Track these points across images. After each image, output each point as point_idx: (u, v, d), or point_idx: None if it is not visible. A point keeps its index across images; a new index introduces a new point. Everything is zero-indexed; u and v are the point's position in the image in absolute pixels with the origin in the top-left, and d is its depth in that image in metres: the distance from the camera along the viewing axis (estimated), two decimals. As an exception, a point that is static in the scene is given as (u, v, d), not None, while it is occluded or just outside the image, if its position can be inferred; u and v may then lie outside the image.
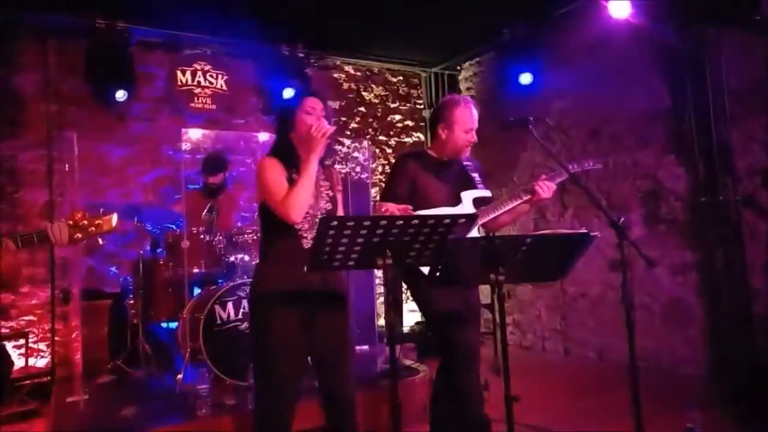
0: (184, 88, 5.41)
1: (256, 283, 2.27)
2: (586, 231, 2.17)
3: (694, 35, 4.32)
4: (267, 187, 2.20)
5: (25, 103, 4.79)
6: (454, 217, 1.97)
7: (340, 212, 2.37)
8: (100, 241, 2.31)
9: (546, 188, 2.67)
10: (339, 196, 2.39)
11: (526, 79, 5.46)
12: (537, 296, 5.75)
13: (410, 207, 2.45)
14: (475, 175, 2.83)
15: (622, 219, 2.29)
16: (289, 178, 2.21)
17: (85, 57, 4.90)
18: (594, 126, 5.16)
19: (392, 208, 2.41)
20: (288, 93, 5.58)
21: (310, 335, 2.20)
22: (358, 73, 6.52)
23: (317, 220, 2.21)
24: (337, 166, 6.16)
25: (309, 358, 2.28)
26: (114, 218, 2.26)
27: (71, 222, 2.18)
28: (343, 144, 6.34)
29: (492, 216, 2.72)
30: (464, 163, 2.85)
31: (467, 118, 2.71)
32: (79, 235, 2.19)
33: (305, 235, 2.20)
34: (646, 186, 4.74)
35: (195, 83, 5.45)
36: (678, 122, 4.49)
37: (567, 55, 5.36)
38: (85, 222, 2.20)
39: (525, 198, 2.70)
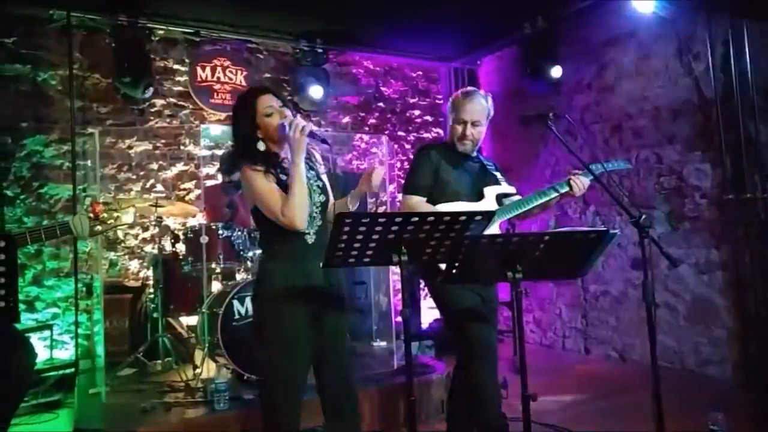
0: (203, 84, 5.45)
1: (260, 280, 2.23)
2: (606, 229, 2.14)
3: (721, 28, 4.21)
4: (262, 200, 2.10)
5: (50, 100, 4.87)
6: (470, 215, 1.95)
7: (332, 194, 2.32)
8: (120, 234, 2.36)
9: (582, 183, 2.63)
10: (326, 179, 2.30)
11: (549, 73, 5.38)
12: (557, 294, 5.69)
13: None
14: (498, 174, 2.79)
15: (644, 216, 2.25)
16: (277, 180, 2.13)
17: (108, 54, 4.97)
18: (616, 121, 5.07)
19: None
20: (315, 91, 5.58)
21: (314, 331, 2.18)
22: (377, 68, 6.50)
23: (315, 213, 2.20)
24: (355, 162, 6.17)
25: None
26: (132, 211, 2.30)
27: (92, 215, 2.22)
28: (362, 140, 6.33)
29: (527, 208, 2.69)
30: (484, 160, 2.82)
31: (461, 108, 2.65)
32: (100, 228, 2.27)
33: (307, 230, 2.16)
34: (670, 183, 4.65)
35: (215, 79, 5.49)
36: (704, 117, 4.39)
37: (589, 49, 5.28)
38: (105, 215, 2.25)
39: (562, 191, 2.67)
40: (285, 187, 2.10)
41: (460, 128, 2.65)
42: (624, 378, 4.50)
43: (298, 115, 2.15)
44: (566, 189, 2.67)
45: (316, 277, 2.16)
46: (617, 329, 5.07)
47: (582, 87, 5.39)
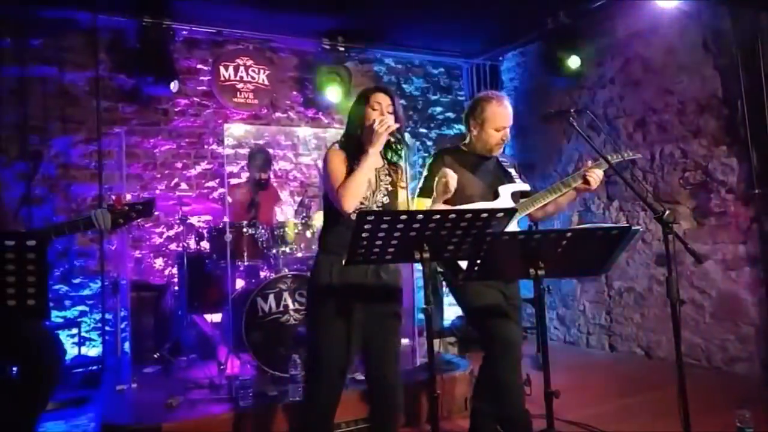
0: (226, 83, 5.50)
1: (312, 272, 2.35)
2: (628, 225, 2.11)
3: (747, 20, 4.12)
4: (327, 177, 2.26)
5: (76, 101, 4.96)
6: (492, 211, 1.95)
7: (400, 208, 2.39)
8: (140, 222, 2.41)
9: (597, 176, 2.62)
10: (402, 194, 2.41)
11: (571, 66, 5.32)
12: (581, 291, 5.63)
13: None
14: (512, 170, 2.79)
15: (668, 212, 2.22)
16: (352, 170, 2.24)
17: (133, 54, 5.05)
18: (640, 116, 5.00)
19: None
20: (334, 89, 5.60)
21: (363, 327, 2.24)
22: (399, 66, 6.50)
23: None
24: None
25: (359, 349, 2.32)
26: (153, 204, 2.34)
27: (113, 209, 2.27)
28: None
29: (541, 204, 2.69)
30: (500, 158, 2.82)
31: (499, 115, 2.68)
32: (122, 221, 2.32)
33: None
34: (696, 178, 4.57)
35: (237, 78, 5.54)
36: (730, 111, 4.31)
37: (613, 44, 5.22)
38: (126, 208, 2.29)
39: (576, 184, 2.65)
40: None
41: (499, 134, 2.69)
42: (649, 375, 4.44)
43: (391, 117, 2.28)
44: (579, 182, 2.65)
45: (364, 273, 2.23)
46: (642, 326, 5.00)
47: (605, 82, 5.32)
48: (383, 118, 2.23)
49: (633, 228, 2.07)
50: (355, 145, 2.30)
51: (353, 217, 2.18)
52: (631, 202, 5.12)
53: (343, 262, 2.01)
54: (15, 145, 4.70)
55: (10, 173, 4.65)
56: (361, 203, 2.26)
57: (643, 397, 3.76)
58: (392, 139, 2.33)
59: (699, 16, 4.44)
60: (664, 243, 2.20)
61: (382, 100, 2.33)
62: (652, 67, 4.88)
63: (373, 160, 2.21)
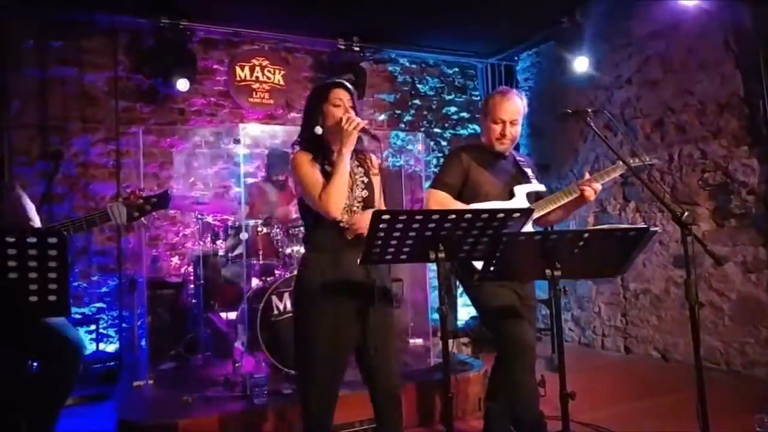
0: (242, 83, 5.54)
1: (299, 274, 2.28)
2: (645, 226, 2.09)
3: (769, 18, 4.07)
4: (303, 184, 2.19)
5: (96, 100, 5.03)
6: (509, 211, 1.94)
7: (378, 198, 2.33)
8: (155, 217, 2.42)
9: (592, 190, 2.58)
10: (376, 180, 2.35)
11: (587, 68, 5.29)
12: (597, 292, 5.59)
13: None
14: (528, 171, 2.77)
15: (686, 213, 2.19)
16: (322, 170, 2.19)
17: (151, 55, 5.10)
18: (658, 116, 4.95)
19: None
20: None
21: (353, 328, 2.19)
22: (413, 66, 6.49)
23: (354, 208, 2.23)
24: (390, 159, 6.18)
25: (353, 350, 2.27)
26: (167, 196, 2.35)
27: (128, 202, 2.29)
28: (397, 137, 6.34)
29: (542, 213, 2.66)
30: (517, 158, 2.80)
31: (498, 107, 2.65)
32: (137, 214, 2.34)
33: (345, 225, 2.19)
34: (715, 179, 4.51)
35: (253, 78, 5.57)
36: (751, 110, 4.24)
37: (630, 43, 5.17)
38: (141, 201, 2.31)
39: (574, 196, 2.63)
40: (329, 177, 2.16)
41: (498, 128, 2.65)
42: (666, 378, 4.40)
43: (352, 114, 2.22)
44: (576, 195, 2.62)
45: (354, 272, 2.17)
46: (659, 328, 4.95)
47: (622, 82, 5.27)
48: (349, 116, 2.16)
49: (651, 229, 2.05)
50: (317, 143, 2.25)
51: (337, 218, 2.16)
52: (648, 203, 5.06)
53: (358, 261, 2.00)
54: (36, 145, 4.77)
55: (31, 172, 4.73)
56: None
57: (660, 400, 3.72)
58: (362, 135, 2.24)
59: (720, 14, 4.38)
60: (683, 244, 2.17)
61: (342, 96, 2.26)
62: (671, 66, 4.82)
63: (347, 161, 2.15)
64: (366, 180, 2.31)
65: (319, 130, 2.24)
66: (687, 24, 4.64)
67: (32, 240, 1.59)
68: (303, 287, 2.23)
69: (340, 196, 2.14)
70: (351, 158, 2.25)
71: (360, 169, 2.32)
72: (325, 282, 2.16)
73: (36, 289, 1.66)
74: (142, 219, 2.47)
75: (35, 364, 2.37)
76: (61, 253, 1.63)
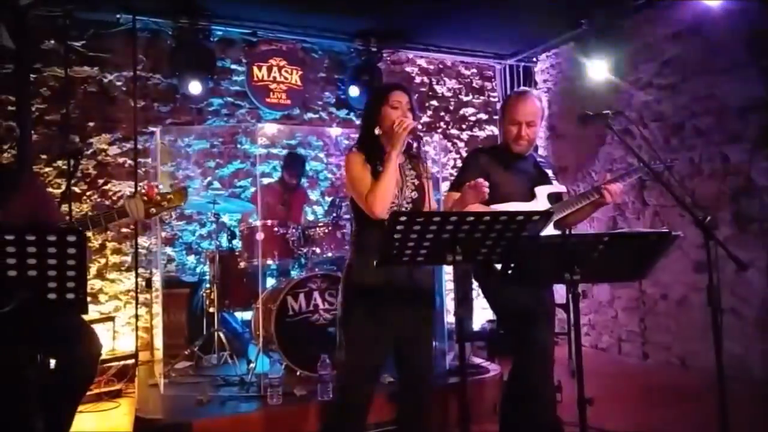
0: (260, 83, 5.55)
1: (345, 273, 2.33)
2: (667, 230, 2.06)
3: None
4: (352, 183, 2.26)
5: (115, 100, 5.08)
6: (528, 214, 1.91)
7: (428, 201, 2.36)
8: (172, 216, 2.43)
9: (612, 192, 2.54)
10: (427, 185, 2.38)
11: (607, 70, 5.22)
12: (614, 297, 5.52)
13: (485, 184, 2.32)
14: (549, 171, 2.74)
15: (709, 218, 2.15)
16: (374, 171, 2.23)
17: (170, 55, 5.14)
18: (679, 119, 4.87)
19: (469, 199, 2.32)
20: (354, 91, 5.61)
21: (393, 328, 2.23)
22: (431, 67, 6.47)
23: (404, 209, 2.27)
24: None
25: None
26: (184, 192, 2.39)
27: (145, 197, 2.30)
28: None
29: (561, 215, 2.63)
30: (537, 159, 2.77)
31: (514, 109, 2.63)
32: (154, 210, 2.34)
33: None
34: (737, 183, 4.43)
35: (271, 78, 5.58)
36: (775, 114, 4.17)
37: (650, 45, 5.10)
38: (158, 197, 2.33)
39: (593, 198, 2.59)
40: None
41: (515, 129, 2.63)
42: (686, 386, 4.33)
43: (410, 116, 2.26)
44: (596, 198, 2.58)
45: (397, 274, 2.21)
46: (678, 335, 4.87)
47: (642, 84, 5.20)
48: (402, 119, 2.20)
49: (673, 233, 2.01)
50: (373, 144, 2.29)
51: (384, 218, 2.19)
52: (668, 208, 4.99)
53: (374, 263, 2.00)
54: (57, 143, 4.83)
55: (52, 170, 4.79)
56: (392, 202, 2.24)
57: (679, 408, 3.67)
58: (411, 138, 2.28)
59: (742, 16, 4.30)
60: (706, 249, 2.13)
61: (401, 98, 2.29)
62: (692, 69, 4.75)
63: (396, 162, 2.20)
64: (417, 182, 2.35)
65: (377, 131, 2.29)
66: (708, 26, 4.57)
67: (52, 238, 1.60)
68: (348, 289, 2.30)
69: (387, 197, 2.18)
70: (404, 160, 2.32)
71: (412, 171, 2.36)
72: (369, 284, 2.21)
73: (55, 287, 1.68)
74: (160, 215, 2.48)
75: (53, 361, 2.39)
76: (80, 252, 1.64)
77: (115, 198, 5.02)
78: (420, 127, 2.24)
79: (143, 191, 2.37)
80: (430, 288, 2.36)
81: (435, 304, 2.39)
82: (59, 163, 4.83)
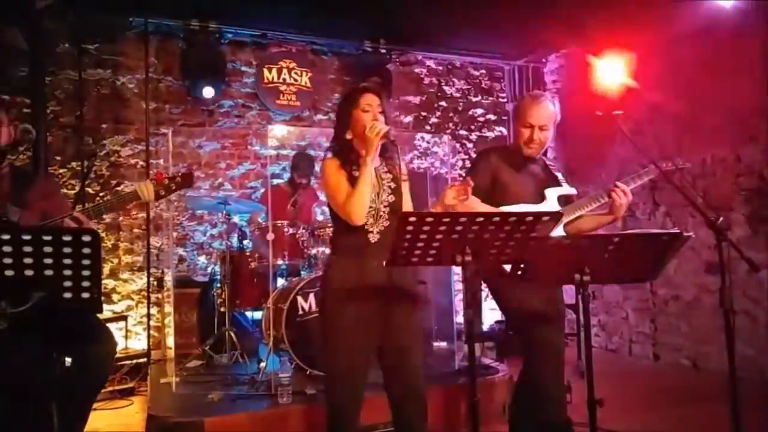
0: (270, 85, 5.58)
1: (324, 276, 2.33)
2: (679, 230, 2.05)
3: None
4: (329, 191, 2.25)
5: (127, 102, 5.13)
6: (538, 215, 1.91)
7: (406, 203, 2.34)
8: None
9: (621, 194, 2.53)
10: (405, 186, 2.35)
11: (614, 70, 5.19)
12: (624, 298, 5.49)
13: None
14: (559, 174, 2.74)
15: (721, 219, 2.14)
16: (350, 176, 2.21)
17: (181, 57, 5.18)
18: (690, 119, 4.84)
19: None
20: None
21: (376, 330, 2.21)
22: (440, 68, 6.47)
23: (382, 212, 2.24)
24: (416, 162, 6.17)
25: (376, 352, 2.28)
26: (192, 176, 2.48)
27: (155, 181, 2.39)
28: (423, 139, 6.32)
29: (570, 218, 2.62)
30: (547, 162, 2.77)
31: (527, 112, 2.62)
32: (163, 192, 2.42)
33: (371, 229, 2.21)
34: (751, 183, 4.40)
35: (281, 80, 5.61)
36: (788, 114, 4.13)
37: (662, 44, 5.07)
38: (166, 180, 2.41)
39: (602, 201, 2.58)
40: (356, 182, 2.18)
41: (527, 132, 2.62)
42: (698, 387, 4.30)
43: (381, 119, 2.24)
44: (605, 200, 2.57)
45: (378, 276, 2.18)
46: (690, 336, 4.85)
47: (654, 83, 5.17)
48: (373, 123, 2.16)
49: (685, 234, 2.01)
50: (347, 148, 2.27)
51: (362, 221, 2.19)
52: (680, 208, 4.96)
53: (384, 263, 2.00)
54: (71, 145, 4.89)
55: (66, 172, 4.85)
56: (369, 206, 2.21)
57: (691, 410, 3.64)
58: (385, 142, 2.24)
59: (756, 15, 4.27)
60: (718, 250, 2.12)
61: (372, 101, 2.26)
62: (704, 68, 4.72)
63: (371, 168, 2.17)
64: (394, 185, 2.32)
65: (349, 134, 2.28)
66: (721, 25, 4.54)
67: (67, 238, 1.63)
68: (327, 289, 2.27)
69: (363, 204, 2.16)
70: (380, 164, 2.29)
71: (388, 174, 2.33)
72: (348, 284, 2.19)
73: (70, 286, 1.70)
74: (169, 197, 2.58)
75: (69, 359, 2.42)
76: (95, 251, 1.66)
77: (127, 198, 5.06)
78: (392, 131, 2.20)
79: (153, 176, 2.46)
80: (411, 289, 2.30)
81: (419, 305, 2.34)
82: (73, 164, 4.89)
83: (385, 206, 2.26)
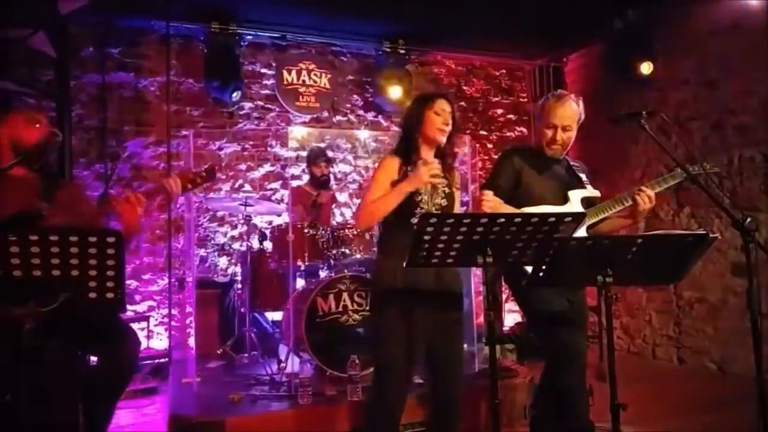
0: (289, 87, 5.61)
1: (374, 278, 2.40)
2: (705, 232, 2.01)
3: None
4: (370, 184, 2.32)
5: (149, 104, 5.20)
6: (560, 216, 1.90)
7: (456, 209, 2.40)
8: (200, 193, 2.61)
9: (646, 199, 2.49)
10: (457, 194, 2.42)
11: (641, 69, 5.13)
12: (647, 299, 5.41)
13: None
14: (582, 176, 2.70)
15: (749, 219, 2.10)
16: (404, 175, 2.27)
17: (201, 59, 5.23)
18: (717, 118, 4.76)
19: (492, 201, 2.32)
20: (395, 91, 5.62)
21: (425, 332, 2.26)
22: (459, 68, 6.45)
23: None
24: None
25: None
26: (214, 171, 2.59)
27: (181, 174, 2.51)
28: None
29: (594, 220, 2.58)
30: (571, 162, 2.74)
31: (551, 112, 2.59)
32: (189, 186, 2.53)
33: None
34: (779, 183, 4.31)
35: (300, 82, 5.64)
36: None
37: (687, 42, 4.99)
38: (191, 174, 2.53)
39: (627, 204, 2.54)
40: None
41: (550, 132, 2.59)
42: (723, 391, 4.22)
43: (451, 124, 2.33)
44: (629, 204, 2.53)
45: (425, 276, 2.24)
46: (715, 339, 4.76)
47: (678, 83, 5.09)
48: (436, 169, 2.19)
49: (711, 235, 1.97)
50: (410, 149, 2.34)
51: (413, 221, 2.22)
52: (704, 209, 4.87)
53: (404, 264, 2.01)
54: (94, 147, 4.96)
55: (90, 174, 4.92)
56: (420, 207, 2.27)
57: (717, 415, 3.57)
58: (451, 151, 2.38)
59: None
60: (745, 252, 2.08)
61: (445, 106, 2.33)
62: (731, 66, 4.63)
63: (403, 194, 2.22)
64: (447, 191, 2.38)
65: (417, 134, 2.35)
66: (748, 22, 4.46)
67: (93, 239, 1.65)
68: (378, 292, 2.35)
69: (375, 216, 2.26)
70: (438, 167, 2.31)
71: (444, 179, 2.36)
72: (398, 287, 2.24)
73: (95, 286, 1.73)
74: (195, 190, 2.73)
75: (94, 359, 2.46)
76: (119, 252, 1.68)
77: (148, 201, 5.11)
78: (442, 180, 2.25)
79: (179, 171, 2.53)
80: (458, 291, 2.38)
81: (463, 307, 2.40)
82: (96, 166, 4.96)
83: (436, 209, 2.32)
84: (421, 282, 2.24)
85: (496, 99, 6.61)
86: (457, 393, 2.33)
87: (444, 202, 2.34)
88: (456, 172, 2.45)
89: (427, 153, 2.38)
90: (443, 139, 2.36)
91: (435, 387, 2.33)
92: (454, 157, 2.42)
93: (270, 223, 5.30)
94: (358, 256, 4.10)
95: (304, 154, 5.60)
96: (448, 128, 2.35)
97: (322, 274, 4.32)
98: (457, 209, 2.41)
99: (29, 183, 2.47)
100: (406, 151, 2.34)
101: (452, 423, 2.32)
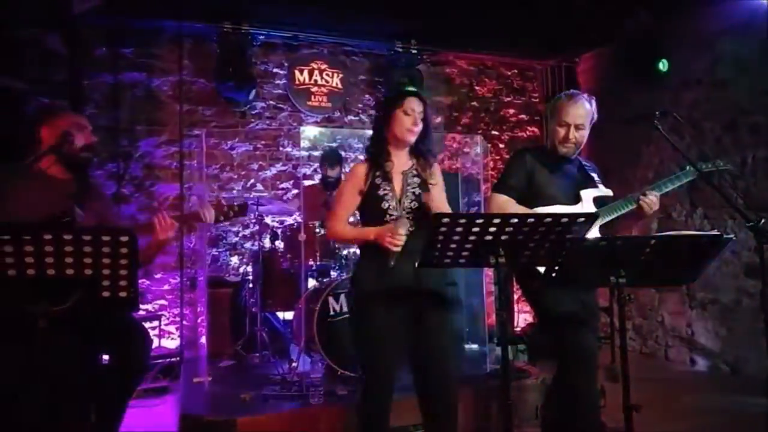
0: (301, 86, 5.63)
1: (353, 279, 2.38)
2: (719, 233, 1.99)
3: None
4: (338, 196, 2.38)
5: (161, 104, 5.22)
6: (573, 216, 1.89)
7: (442, 205, 2.35)
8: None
9: (649, 204, 2.47)
10: (434, 190, 2.36)
11: (654, 68, 5.09)
12: (660, 300, 5.37)
13: None
14: (594, 175, 2.69)
15: (763, 221, 2.08)
16: (372, 180, 2.27)
17: (213, 59, 5.25)
18: (730, 118, 4.71)
19: None
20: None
21: (406, 331, 2.24)
22: (471, 68, 6.43)
23: (404, 218, 2.25)
24: (446, 162, 6.13)
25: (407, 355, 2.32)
26: (247, 207, 2.68)
27: (216, 206, 2.58)
28: (454, 139, 6.29)
29: (606, 219, 2.57)
30: (583, 162, 2.72)
31: (564, 111, 2.59)
32: (222, 218, 2.62)
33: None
34: (793, 184, 4.26)
35: (312, 82, 5.65)
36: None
37: (699, 42, 4.94)
38: (226, 208, 2.60)
39: (632, 207, 2.53)
40: (376, 188, 2.25)
41: (562, 131, 2.58)
42: (737, 393, 4.17)
43: (422, 125, 2.30)
44: (634, 206, 2.51)
45: (404, 278, 2.20)
46: (728, 340, 4.71)
47: (690, 82, 5.04)
48: (400, 224, 2.17)
49: (725, 236, 1.95)
50: (380, 150, 2.32)
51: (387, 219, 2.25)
52: (718, 209, 4.83)
53: (416, 264, 2.00)
54: (107, 147, 4.99)
55: (102, 173, 4.95)
56: (389, 214, 2.25)
57: (731, 417, 3.54)
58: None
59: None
60: (759, 253, 2.06)
61: (415, 106, 2.28)
62: (745, 65, 4.58)
63: (364, 241, 2.27)
64: (418, 191, 2.32)
65: (386, 133, 2.34)
66: (763, 20, 4.41)
67: (106, 238, 1.67)
68: (357, 291, 2.33)
69: (338, 241, 2.57)
70: (410, 167, 2.36)
71: (416, 179, 2.34)
72: (377, 287, 2.22)
73: (108, 285, 1.74)
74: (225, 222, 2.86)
75: (107, 357, 2.48)
76: (132, 251, 1.70)
77: (161, 199, 5.16)
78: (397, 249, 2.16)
79: (214, 202, 2.64)
80: (441, 290, 2.31)
81: (449, 306, 2.34)
82: (109, 165, 4.99)
83: (407, 213, 2.28)
84: (402, 281, 2.20)
85: (508, 99, 6.58)
86: (448, 391, 2.26)
87: (415, 204, 2.30)
88: (436, 168, 2.40)
89: (397, 153, 2.34)
90: (412, 140, 2.32)
91: (423, 387, 2.28)
92: (432, 156, 2.38)
93: (282, 222, 5.31)
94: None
95: (316, 153, 5.62)
96: (418, 129, 2.29)
97: (334, 273, 4.33)
98: (442, 203, 2.35)
99: (64, 185, 2.51)
100: (375, 152, 2.32)
101: (446, 422, 2.25)
